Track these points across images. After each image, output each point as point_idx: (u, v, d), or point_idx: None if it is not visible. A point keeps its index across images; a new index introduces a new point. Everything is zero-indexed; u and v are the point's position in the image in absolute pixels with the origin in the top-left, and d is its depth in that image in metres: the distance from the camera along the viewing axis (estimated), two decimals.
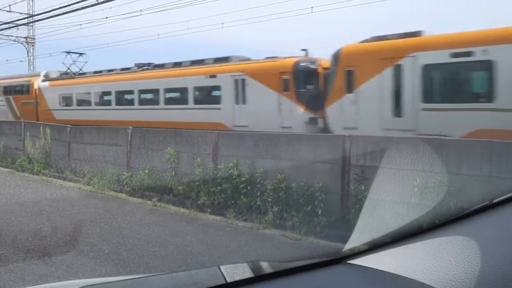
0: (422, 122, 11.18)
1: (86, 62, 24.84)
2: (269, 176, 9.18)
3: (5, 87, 27.03)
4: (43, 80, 24.36)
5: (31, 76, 25.38)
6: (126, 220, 9.01)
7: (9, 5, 32.72)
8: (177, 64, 18.45)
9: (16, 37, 36.60)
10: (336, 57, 13.36)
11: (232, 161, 9.89)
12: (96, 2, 21.01)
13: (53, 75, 24.50)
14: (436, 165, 7.10)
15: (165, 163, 11.26)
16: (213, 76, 16.32)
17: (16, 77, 26.46)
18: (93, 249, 6.32)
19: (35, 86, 24.31)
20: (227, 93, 15.81)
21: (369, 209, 5.12)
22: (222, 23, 33.98)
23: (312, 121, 13.95)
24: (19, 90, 25.94)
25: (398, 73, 11.76)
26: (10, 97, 26.15)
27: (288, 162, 9.27)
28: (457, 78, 11.48)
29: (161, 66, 19.34)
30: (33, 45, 37.81)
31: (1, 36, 34.85)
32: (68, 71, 24.37)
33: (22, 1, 33.09)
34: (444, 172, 7.04)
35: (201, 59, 17.82)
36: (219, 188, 9.80)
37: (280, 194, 8.87)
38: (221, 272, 1.39)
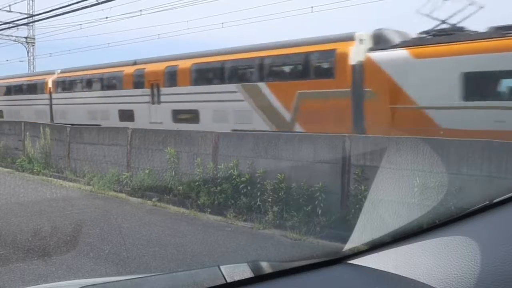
0: None
1: (481, 7, 11.53)
2: (269, 176, 9.18)
3: (236, 67, 15.37)
4: (381, 48, 11.98)
5: (324, 43, 12.96)
6: (126, 220, 9.01)
7: (9, 5, 32.74)
8: None
9: (16, 37, 36.61)
10: None
11: (232, 161, 9.90)
12: (96, 2, 21.02)
13: (396, 37, 12.18)
14: (436, 165, 7.10)
15: (165, 163, 11.26)
16: None
17: (269, 47, 14.13)
18: (93, 249, 6.31)
19: (351, 60, 12.30)
20: None
21: (369, 209, 5.13)
22: (222, 23, 34.00)
23: None
24: (294, 70, 14.06)
25: None
26: (261, 84, 14.06)
27: (288, 162, 9.27)
28: None
29: None
30: (33, 45, 37.80)
31: (1, 36, 34.86)
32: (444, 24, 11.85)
33: (22, 1, 33.11)
34: (444, 172, 7.04)
35: None
36: (219, 188, 9.80)
37: (280, 194, 8.87)
38: (221, 272, 1.39)
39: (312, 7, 26.20)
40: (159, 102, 17.40)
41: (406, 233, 1.43)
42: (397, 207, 5.06)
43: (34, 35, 37.52)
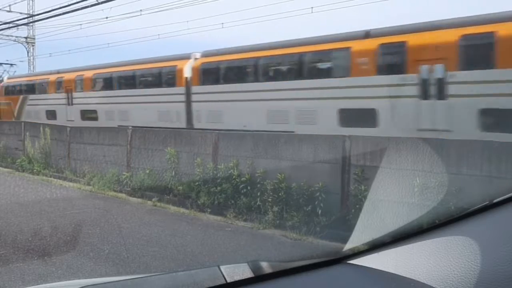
0: None
1: None
2: (269, 176, 9.18)
3: None
4: None
5: None
6: (126, 220, 9.01)
7: (9, 5, 32.76)
8: None
9: (16, 37, 36.60)
10: None
11: (232, 161, 9.90)
12: (96, 2, 21.03)
13: None
14: (436, 165, 7.10)
15: (165, 163, 11.26)
16: None
17: None
18: (93, 249, 6.32)
19: None
20: None
21: (369, 209, 5.13)
22: (222, 23, 33.97)
23: None
24: None
25: None
26: None
27: (288, 162, 9.27)
28: None
29: None
30: (33, 45, 37.79)
31: (1, 36, 34.85)
32: None
33: (22, 1, 33.13)
34: (444, 172, 7.04)
35: None
36: (219, 188, 9.80)
37: (280, 194, 8.87)
38: (221, 272, 1.39)
39: (312, 7, 26.19)
40: (441, 96, 11.11)
41: (406, 233, 1.43)
42: (397, 207, 5.07)
43: (34, 35, 37.53)
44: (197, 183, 10.33)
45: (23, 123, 17.55)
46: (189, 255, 6.72)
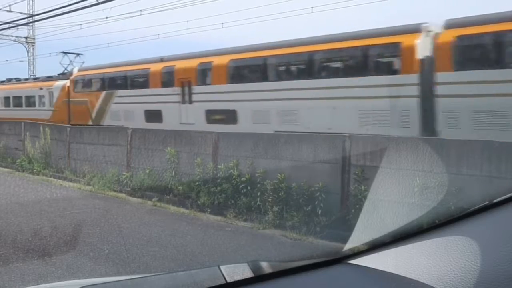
0: None
1: None
2: (269, 176, 9.18)
3: None
4: None
5: None
6: (126, 220, 9.01)
7: (9, 5, 32.74)
8: None
9: (16, 37, 36.58)
10: None
11: (232, 161, 9.90)
12: (96, 2, 21.01)
13: None
14: (436, 165, 7.10)
15: (165, 163, 11.26)
16: None
17: None
18: (93, 249, 6.32)
19: None
20: None
21: (369, 209, 5.14)
22: (222, 23, 33.95)
23: None
24: None
25: None
26: None
27: (288, 162, 9.26)
28: None
29: None
30: (33, 45, 37.79)
31: (1, 36, 34.83)
32: None
33: (22, 1, 33.12)
34: (444, 172, 7.04)
35: None
36: (219, 188, 9.80)
37: (280, 194, 8.87)
38: (221, 272, 1.39)
39: (312, 7, 26.18)
40: None
41: (406, 233, 1.43)
42: (397, 207, 5.07)
43: (34, 35, 37.53)
44: (197, 183, 10.33)
45: (23, 123, 17.54)
46: (189, 255, 6.72)
